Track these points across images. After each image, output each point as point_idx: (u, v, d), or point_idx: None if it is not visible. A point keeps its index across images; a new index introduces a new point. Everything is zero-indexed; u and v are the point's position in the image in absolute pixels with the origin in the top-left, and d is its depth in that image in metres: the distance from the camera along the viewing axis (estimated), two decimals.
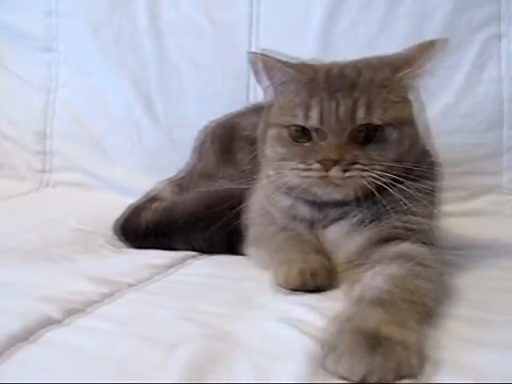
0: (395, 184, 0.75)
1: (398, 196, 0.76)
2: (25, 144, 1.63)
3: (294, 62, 0.82)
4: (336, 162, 0.73)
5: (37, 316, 0.62)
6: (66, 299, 0.68)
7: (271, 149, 0.82)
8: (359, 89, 0.75)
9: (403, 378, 0.49)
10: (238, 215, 0.94)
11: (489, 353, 0.55)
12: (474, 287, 0.76)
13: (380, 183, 0.74)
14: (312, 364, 0.52)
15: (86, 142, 1.60)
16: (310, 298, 0.72)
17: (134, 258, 0.95)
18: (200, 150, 1.21)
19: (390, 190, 0.75)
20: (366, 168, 0.74)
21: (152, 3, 1.54)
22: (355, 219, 0.80)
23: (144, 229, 1.02)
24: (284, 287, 0.75)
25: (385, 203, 0.76)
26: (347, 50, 1.34)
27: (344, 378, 0.50)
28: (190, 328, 0.61)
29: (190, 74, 1.53)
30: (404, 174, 0.77)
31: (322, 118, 0.75)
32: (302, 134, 0.77)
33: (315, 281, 0.74)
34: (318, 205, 0.82)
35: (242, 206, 0.94)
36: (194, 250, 1.00)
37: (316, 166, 0.74)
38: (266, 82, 0.83)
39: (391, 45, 1.14)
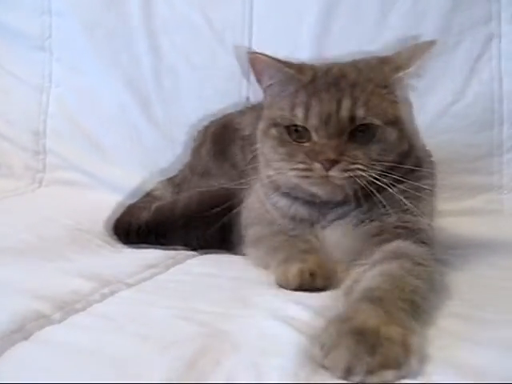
0: (395, 184, 0.76)
1: (398, 196, 0.76)
2: (21, 143, 1.62)
3: (293, 61, 0.82)
4: (336, 162, 0.73)
5: (32, 314, 0.62)
6: (61, 297, 0.68)
7: (271, 149, 0.82)
8: (359, 89, 0.76)
9: (403, 377, 0.49)
10: (234, 214, 0.94)
11: (485, 351, 0.55)
12: (470, 286, 0.76)
13: (380, 183, 0.74)
14: (307, 362, 0.52)
15: (82, 141, 1.59)
16: (306, 297, 0.72)
17: (130, 256, 0.95)
18: (199, 149, 1.21)
19: (390, 190, 0.75)
20: (366, 168, 0.74)
21: (146, 2, 1.54)
22: (355, 219, 0.80)
23: (141, 228, 1.02)
24: (283, 287, 0.75)
25: (385, 203, 0.76)
26: (342, 49, 1.33)
27: (343, 378, 0.49)
28: (186, 326, 0.61)
29: (186, 73, 1.52)
30: (404, 175, 0.77)
31: (321, 119, 0.75)
32: (302, 134, 0.78)
33: (314, 281, 0.74)
34: (318, 205, 0.83)
35: (239, 205, 0.94)
36: (190, 248, 1.00)
37: (316, 165, 0.75)
38: (266, 82, 0.83)
39: (386, 44, 1.14)
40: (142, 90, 1.54)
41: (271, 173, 0.84)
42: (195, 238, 1.00)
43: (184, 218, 1.00)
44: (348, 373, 0.49)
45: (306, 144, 0.77)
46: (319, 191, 0.79)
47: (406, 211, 0.78)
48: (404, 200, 0.76)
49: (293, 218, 0.86)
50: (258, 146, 0.87)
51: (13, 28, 1.64)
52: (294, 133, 0.78)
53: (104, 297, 0.71)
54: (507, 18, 1.32)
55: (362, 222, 0.79)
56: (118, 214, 1.07)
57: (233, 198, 0.97)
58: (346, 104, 0.75)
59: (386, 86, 0.77)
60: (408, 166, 0.79)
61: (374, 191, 0.75)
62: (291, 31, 1.44)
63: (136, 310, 0.67)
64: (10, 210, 1.34)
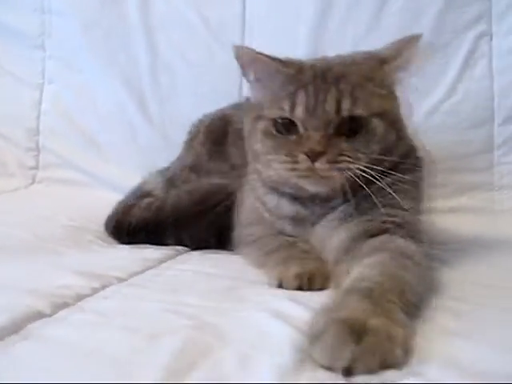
0: (383, 177, 0.75)
1: (387, 189, 0.76)
2: (16, 141, 1.63)
3: (279, 56, 0.82)
4: (322, 154, 0.73)
5: (25, 310, 0.62)
6: (54, 293, 0.68)
7: (258, 142, 0.82)
8: (345, 81, 0.76)
9: (388, 367, 0.49)
10: (228, 211, 0.94)
11: (474, 346, 0.55)
12: (458, 282, 0.76)
13: (367, 175, 0.74)
14: (296, 355, 0.52)
15: (77, 139, 1.60)
16: (300, 294, 0.72)
17: (124, 253, 0.95)
18: (192, 143, 1.20)
19: (379, 183, 0.75)
20: (352, 160, 0.74)
21: (143, 0, 1.54)
22: (343, 214, 0.80)
23: (135, 226, 1.02)
24: (281, 288, 0.74)
25: (373, 197, 0.76)
26: (338, 48, 1.34)
27: (329, 367, 0.50)
28: (176, 320, 0.61)
29: (183, 71, 1.53)
30: (391, 168, 0.77)
31: (307, 111, 0.75)
32: (289, 127, 0.77)
33: (313, 283, 0.74)
34: (306, 201, 0.82)
35: (233, 201, 0.94)
36: (184, 246, 1.00)
37: (302, 157, 0.74)
38: (253, 76, 0.83)
39: (381, 43, 1.14)
40: (139, 87, 1.55)
41: (259, 167, 0.84)
42: (187, 236, 1.00)
43: (175, 216, 1.01)
44: (333, 360, 0.49)
45: (293, 137, 0.77)
46: (306, 184, 0.79)
47: (394, 205, 0.78)
48: (393, 194, 0.76)
49: (281, 215, 0.85)
50: (246, 139, 0.87)
51: (10, 26, 1.65)
52: (281, 126, 0.78)
53: (95, 291, 0.72)
54: (498, 17, 1.33)
55: (351, 216, 0.79)
56: (110, 212, 1.07)
57: (226, 195, 0.97)
58: (332, 96, 0.75)
59: (372, 79, 0.77)
60: (395, 158, 0.79)
61: (362, 184, 0.75)
62: (287, 30, 1.44)
63: (126, 304, 0.68)
64: (4, 208, 1.34)
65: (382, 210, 0.78)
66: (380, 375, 0.49)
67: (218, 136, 1.13)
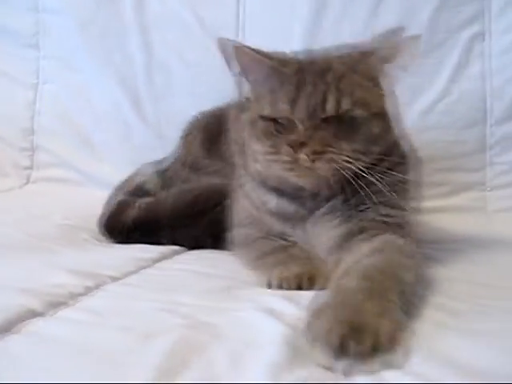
0: (382, 177, 0.75)
1: (386, 190, 0.76)
2: (10, 140, 1.62)
3: (277, 54, 0.81)
4: (321, 153, 0.73)
5: (19, 308, 0.62)
6: (48, 292, 0.68)
7: (257, 141, 0.80)
8: (345, 81, 0.76)
9: (379, 349, 0.51)
10: (222, 211, 0.94)
11: (467, 343, 0.55)
12: (453, 280, 0.77)
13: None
14: (291, 354, 0.52)
15: (73, 139, 1.59)
16: (296, 293, 0.72)
17: (117, 251, 0.95)
18: (187, 140, 1.19)
19: (378, 183, 0.75)
20: (352, 160, 0.74)
21: (138, 0, 1.54)
22: (341, 213, 0.80)
23: (129, 226, 1.02)
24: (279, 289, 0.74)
25: (372, 197, 0.76)
26: None
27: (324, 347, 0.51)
28: (171, 319, 0.61)
29: (178, 70, 1.52)
30: (391, 167, 0.77)
31: (307, 110, 0.75)
32: (288, 127, 0.76)
33: (313, 285, 0.74)
34: (305, 200, 0.82)
35: (227, 201, 0.94)
36: (180, 246, 1.00)
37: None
38: (252, 75, 0.83)
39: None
40: (134, 87, 1.55)
41: (258, 166, 0.83)
42: (183, 236, 1.00)
43: (171, 217, 1.00)
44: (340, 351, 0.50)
45: (292, 136, 0.76)
46: (305, 183, 0.79)
47: (393, 206, 0.79)
48: (393, 194, 0.76)
49: (279, 215, 0.85)
50: (245, 139, 0.86)
51: (4, 25, 1.64)
52: (280, 125, 0.77)
53: (89, 290, 0.72)
54: (495, 16, 1.33)
55: (350, 216, 0.79)
56: (105, 209, 1.07)
57: (221, 195, 0.97)
58: (331, 96, 0.74)
59: (371, 79, 0.77)
60: (394, 158, 0.79)
61: (362, 184, 0.75)
62: (282, 29, 1.45)
63: (121, 303, 0.68)
64: None
65: (382, 210, 0.78)
66: (380, 375, 0.49)
67: (214, 134, 1.12)
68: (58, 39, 1.61)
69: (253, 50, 0.81)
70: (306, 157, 0.73)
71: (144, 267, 0.86)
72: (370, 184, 0.75)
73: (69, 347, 0.54)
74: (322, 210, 0.81)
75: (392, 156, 0.80)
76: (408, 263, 0.69)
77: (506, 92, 1.32)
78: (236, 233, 0.91)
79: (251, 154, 0.82)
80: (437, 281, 0.75)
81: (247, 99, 0.85)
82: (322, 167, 0.74)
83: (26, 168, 1.61)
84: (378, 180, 0.75)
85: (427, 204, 0.89)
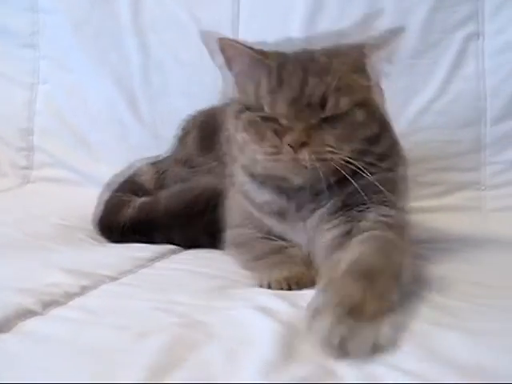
0: (368, 169, 0.76)
1: (373, 182, 0.76)
2: (8, 140, 1.62)
3: (262, 47, 0.81)
4: (305, 144, 0.73)
5: (14, 307, 0.63)
6: (44, 291, 0.69)
7: (242, 132, 0.80)
8: (330, 73, 0.75)
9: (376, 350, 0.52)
10: (217, 211, 0.94)
11: (468, 343, 0.55)
12: (448, 279, 0.77)
13: (352, 166, 0.74)
14: (286, 352, 0.53)
15: (69, 138, 1.60)
16: (291, 292, 0.72)
17: (114, 251, 0.95)
18: (184, 138, 1.20)
19: (364, 175, 0.75)
20: (336, 150, 0.74)
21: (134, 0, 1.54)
22: (329, 208, 0.80)
23: (124, 225, 1.02)
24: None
25: (359, 189, 0.76)
26: None
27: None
28: (166, 318, 0.61)
29: (174, 70, 1.53)
30: (376, 160, 0.78)
31: (289, 103, 0.75)
32: (272, 118, 0.77)
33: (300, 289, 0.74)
34: (292, 194, 0.82)
35: (222, 201, 0.94)
36: (176, 245, 1.00)
37: (285, 148, 0.74)
38: (236, 68, 0.83)
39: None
40: (130, 87, 1.55)
41: (244, 160, 0.83)
42: (179, 236, 1.00)
43: (167, 216, 1.01)
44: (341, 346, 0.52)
45: (277, 128, 0.76)
46: (290, 175, 0.79)
47: (383, 201, 0.79)
48: (380, 186, 0.77)
49: (267, 209, 0.85)
50: (231, 133, 0.86)
51: (2, 25, 1.64)
52: (264, 118, 0.77)
53: (85, 290, 0.72)
54: (490, 16, 1.34)
55: (337, 210, 0.80)
56: (101, 208, 1.08)
57: (217, 194, 0.97)
58: (315, 88, 0.74)
59: (356, 71, 0.78)
60: (380, 151, 0.79)
61: (347, 175, 0.75)
62: (278, 30, 1.45)
63: (116, 303, 0.68)
64: None
65: (371, 207, 0.78)
66: (379, 375, 0.49)
67: (210, 132, 1.12)
68: (54, 39, 1.61)
69: (236, 41, 0.81)
70: (289, 148, 0.74)
71: (140, 266, 0.86)
72: (357, 177, 0.76)
73: (64, 346, 0.55)
74: (311, 206, 0.81)
75: (378, 148, 0.80)
76: (401, 247, 0.71)
77: (501, 91, 1.32)
78: (229, 233, 0.92)
79: (237, 146, 0.82)
80: (434, 280, 0.75)
81: (235, 97, 0.85)
82: (307, 158, 0.73)
83: (24, 168, 1.61)
84: (364, 171, 0.75)
85: (423, 203, 0.89)
